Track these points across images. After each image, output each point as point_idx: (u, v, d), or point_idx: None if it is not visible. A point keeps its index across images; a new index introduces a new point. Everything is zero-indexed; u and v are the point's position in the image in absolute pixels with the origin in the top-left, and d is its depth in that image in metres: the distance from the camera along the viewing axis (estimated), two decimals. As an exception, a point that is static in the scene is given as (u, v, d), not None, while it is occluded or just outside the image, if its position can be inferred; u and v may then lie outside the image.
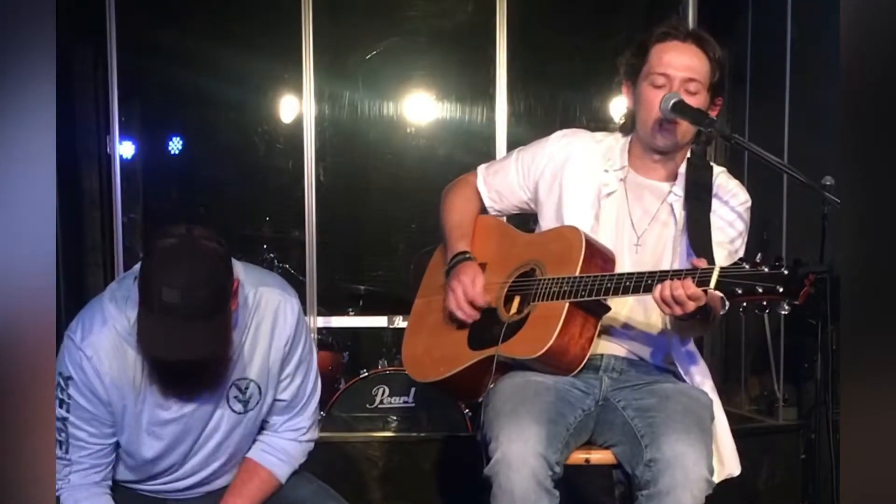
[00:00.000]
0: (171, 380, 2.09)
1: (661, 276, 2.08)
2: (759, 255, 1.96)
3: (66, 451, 2.13)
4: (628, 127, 2.42)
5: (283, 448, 2.30)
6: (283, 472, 2.30)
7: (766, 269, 1.93)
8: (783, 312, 1.97)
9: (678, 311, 2.05)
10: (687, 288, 2.02)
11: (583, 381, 2.29)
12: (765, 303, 1.95)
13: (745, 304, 1.98)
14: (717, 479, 2.25)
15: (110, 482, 2.21)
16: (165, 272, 1.94)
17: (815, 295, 1.97)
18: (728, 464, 2.32)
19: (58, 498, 2.15)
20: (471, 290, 2.33)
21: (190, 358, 1.96)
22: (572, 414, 2.22)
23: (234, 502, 2.24)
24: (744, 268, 1.96)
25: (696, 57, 2.29)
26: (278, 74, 5.02)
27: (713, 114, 2.32)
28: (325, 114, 5.01)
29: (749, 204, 2.36)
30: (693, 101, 2.26)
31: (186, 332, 1.93)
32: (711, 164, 2.39)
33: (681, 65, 2.27)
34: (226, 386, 2.17)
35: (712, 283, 1.98)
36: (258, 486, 2.27)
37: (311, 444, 2.36)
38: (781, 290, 1.91)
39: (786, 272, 1.91)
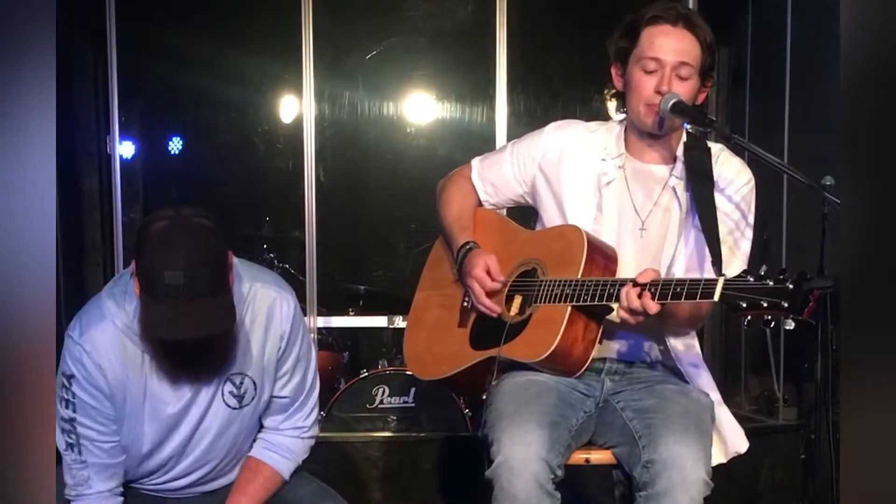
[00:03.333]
0: (181, 362, 2.08)
1: (664, 284, 2.05)
2: (764, 267, 1.93)
3: (80, 453, 2.11)
4: (619, 107, 2.39)
5: (286, 445, 2.30)
6: (286, 468, 2.30)
7: (771, 283, 1.89)
8: (787, 328, 1.95)
9: (640, 319, 2.07)
10: (643, 299, 2.03)
11: (584, 382, 2.29)
12: (769, 317, 1.92)
13: (749, 317, 1.95)
14: (724, 458, 2.27)
15: (122, 489, 2.20)
16: (164, 256, 1.93)
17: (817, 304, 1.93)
18: (733, 442, 2.31)
19: (68, 502, 2.14)
20: (488, 283, 2.31)
21: (200, 336, 1.95)
22: (574, 416, 2.21)
23: (239, 501, 2.24)
24: (748, 280, 1.92)
25: (687, 41, 2.26)
26: (278, 74, 5.02)
27: (702, 97, 2.32)
28: (325, 114, 5.01)
29: (752, 183, 2.31)
30: (684, 87, 2.24)
31: (194, 312, 1.92)
32: (709, 145, 2.35)
33: (672, 49, 2.25)
34: (223, 377, 2.17)
35: (716, 296, 1.96)
36: (262, 484, 2.27)
37: (313, 441, 2.36)
38: (787, 305, 1.87)
39: (791, 286, 1.87)
